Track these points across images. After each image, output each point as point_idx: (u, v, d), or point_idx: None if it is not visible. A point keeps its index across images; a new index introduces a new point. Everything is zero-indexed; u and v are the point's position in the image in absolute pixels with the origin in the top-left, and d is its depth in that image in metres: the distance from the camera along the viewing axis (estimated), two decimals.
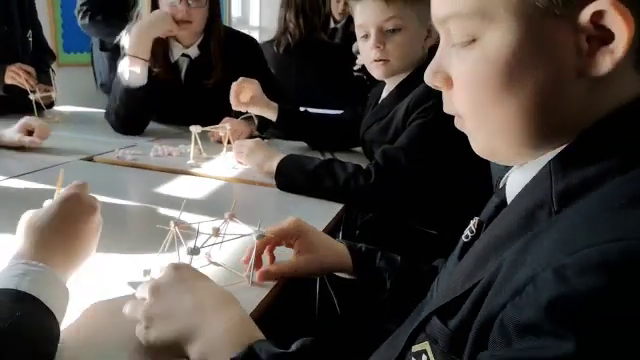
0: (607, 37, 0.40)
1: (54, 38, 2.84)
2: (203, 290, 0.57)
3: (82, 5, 2.48)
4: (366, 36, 1.23)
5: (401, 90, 1.25)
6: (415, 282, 0.78)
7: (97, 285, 0.68)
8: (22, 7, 1.93)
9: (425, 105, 1.14)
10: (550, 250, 0.36)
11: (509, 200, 0.51)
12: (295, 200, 1.10)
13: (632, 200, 0.36)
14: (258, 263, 0.75)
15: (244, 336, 0.52)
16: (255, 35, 5.10)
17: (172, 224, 0.74)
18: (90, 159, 1.36)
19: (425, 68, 0.53)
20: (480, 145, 0.51)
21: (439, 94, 0.54)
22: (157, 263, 0.73)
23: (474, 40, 0.45)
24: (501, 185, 0.55)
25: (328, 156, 1.47)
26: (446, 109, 0.53)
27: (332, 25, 3.37)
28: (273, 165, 1.16)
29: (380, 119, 1.29)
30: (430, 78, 0.52)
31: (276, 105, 1.49)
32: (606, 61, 0.40)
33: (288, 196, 1.12)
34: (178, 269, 0.59)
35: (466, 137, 0.53)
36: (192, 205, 0.99)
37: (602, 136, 0.43)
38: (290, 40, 2.44)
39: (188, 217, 0.80)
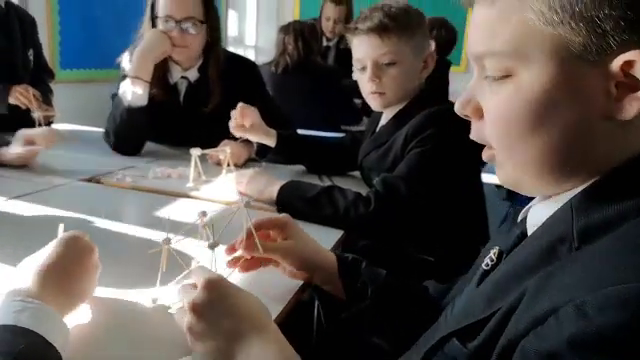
0: (636, 85, 0.42)
1: (51, 54, 2.85)
2: (240, 311, 0.59)
3: None
4: (363, 69, 1.27)
5: (399, 119, 1.28)
6: (399, 296, 0.80)
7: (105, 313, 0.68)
8: (23, 26, 1.94)
9: (423, 134, 1.17)
10: (572, 286, 0.38)
11: (530, 232, 0.53)
12: None
13: None
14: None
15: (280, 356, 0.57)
16: (251, 54, 5.16)
17: (162, 243, 0.75)
18: (89, 180, 1.36)
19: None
20: (506, 176, 0.53)
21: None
22: (164, 289, 0.73)
23: (508, 76, 0.47)
24: (520, 218, 0.57)
25: (326, 180, 1.49)
26: (475, 138, 0.55)
27: (325, 43, 3.43)
28: (274, 192, 1.17)
29: (378, 147, 1.31)
30: (461, 108, 0.54)
31: (274, 132, 1.51)
32: (633, 107, 0.43)
33: None
34: (214, 287, 0.60)
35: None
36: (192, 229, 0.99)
37: (624, 178, 0.45)
38: (289, 61, 2.49)
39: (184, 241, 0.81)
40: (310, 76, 2.46)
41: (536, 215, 0.53)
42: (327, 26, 3.34)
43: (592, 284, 0.37)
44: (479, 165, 1.22)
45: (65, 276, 0.63)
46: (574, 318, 0.35)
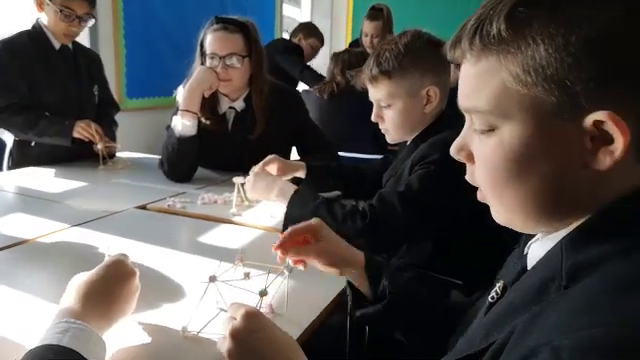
0: (609, 138, 0.45)
1: (118, 85, 3.09)
2: (276, 342, 0.66)
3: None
4: None
5: (411, 147, 1.33)
6: (415, 300, 0.88)
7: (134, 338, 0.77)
8: (89, 64, 2.14)
9: (428, 159, 1.20)
10: (553, 327, 0.41)
11: (529, 268, 0.56)
12: None
13: (628, 287, 0.41)
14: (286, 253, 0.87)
15: None
16: None
17: (208, 279, 0.83)
18: (143, 207, 1.49)
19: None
20: (499, 216, 0.57)
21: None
22: (194, 318, 0.81)
23: (492, 129, 0.51)
24: (525, 252, 0.60)
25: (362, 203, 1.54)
26: (469, 180, 0.59)
27: None
28: (273, 193, 1.34)
29: (395, 174, 1.36)
30: (455, 153, 0.58)
31: (303, 164, 1.58)
32: (607, 159, 0.46)
33: None
34: (254, 317, 0.66)
35: (470, 191, 0.60)
36: (231, 253, 1.07)
37: (608, 220, 0.48)
38: (335, 87, 2.58)
39: (227, 266, 0.89)
40: (356, 99, 2.52)
41: (535, 251, 0.56)
42: (365, 42, 3.41)
43: (570, 327, 0.39)
44: None
45: (107, 297, 0.72)
46: None
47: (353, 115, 2.41)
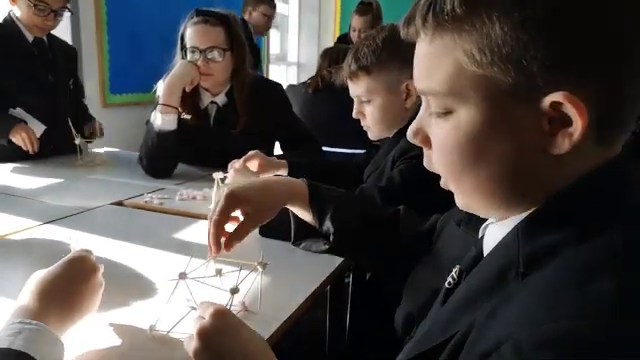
0: (567, 120, 0.43)
1: (101, 80, 3.04)
2: (244, 342, 0.63)
3: None
4: None
5: (393, 142, 1.32)
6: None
7: (99, 336, 0.74)
8: (65, 60, 2.09)
9: (410, 153, 1.20)
10: (513, 319, 0.40)
11: (485, 253, 0.55)
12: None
13: (587, 276, 0.39)
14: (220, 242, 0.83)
15: None
16: (293, 71, 5.27)
17: (178, 276, 0.80)
18: (120, 204, 1.45)
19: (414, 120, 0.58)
20: (460, 201, 0.56)
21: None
22: (163, 316, 0.78)
23: (449, 112, 0.49)
24: (480, 234, 0.58)
25: None
26: (427, 166, 0.57)
27: None
28: None
29: (376, 169, 1.34)
30: (411, 136, 0.56)
31: (285, 162, 1.56)
32: (565, 142, 0.44)
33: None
34: (223, 316, 0.63)
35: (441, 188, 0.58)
36: (204, 249, 1.04)
37: (561, 206, 0.46)
38: (319, 82, 2.55)
39: (199, 263, 0.86)
40: (340, 94, 2.50)
41: (491, 236, 0.55)
42: (354, 37, 3.40)
43: (530, 319, 0.38)
44: None
45: (66, 295, 0.69)
46: (511, 356, 0.37)
47: (338, 110, 2.38)
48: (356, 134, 2.52)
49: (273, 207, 0.87)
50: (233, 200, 0.83)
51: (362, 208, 0.97)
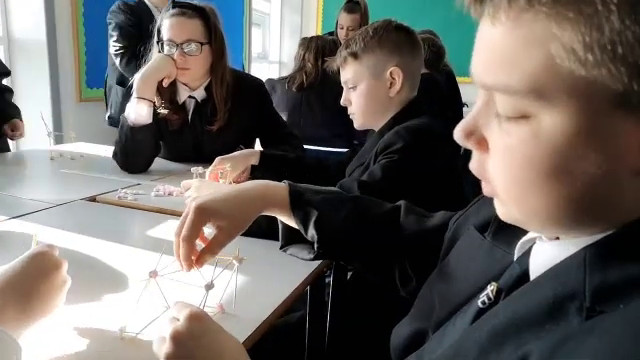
0: None
1: (77, 73, 2.96)
2: (219, 347, 0.59)
3: (121, 49, 2.53)
4: None
5: (377, 137, 1.30)
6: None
7: (65, 338, 0.70)
8: None
9: (392, 148, 1.18)
10: (592, 354, 0.33)
11: (533, 274, 0.47)
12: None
13: None
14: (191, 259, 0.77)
15: None
16: (275, 69, 5.23)
17: (148, 275, 0.76)
18: (93, 199, 1.40)
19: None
20: (509, 215, 0.47)
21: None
22: (133, 316, 0.74)
23: (525, 117, 0.40)
24: (520, 252, 0.51)
25: None
26: (474, 171, 0.48)
27: None
28: None
29: (360, 165, 1.32)
30: (462, 139, 0.46)
31: (257, 151, 1.53)
32: None
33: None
34: (199, 319, 0.60)
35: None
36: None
37: None
38: (304, 79, 2.50)
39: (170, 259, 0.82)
40: (324, 93, 2.47)
41: (543, 255, 0.46)
42: (341, 34, 3.38)
43: (615, 353, 0.32)
44: (459, 178, 1.20)
45: (25, 293, 0.64)
46: None
47: (324, 108, 2.36)
48: (343, 134, 2.50)
49: (247, 218, 0.80)
50: (202, 213, 0.76)
51: (353, 209, 0.86)
